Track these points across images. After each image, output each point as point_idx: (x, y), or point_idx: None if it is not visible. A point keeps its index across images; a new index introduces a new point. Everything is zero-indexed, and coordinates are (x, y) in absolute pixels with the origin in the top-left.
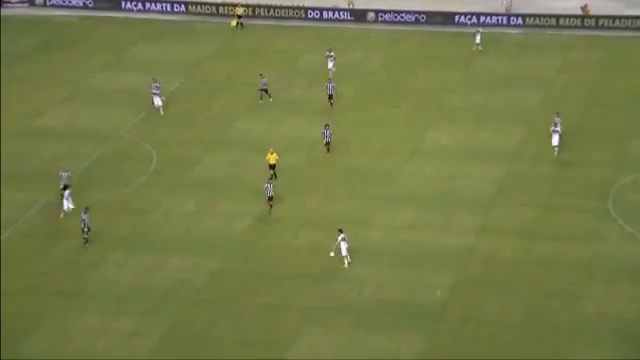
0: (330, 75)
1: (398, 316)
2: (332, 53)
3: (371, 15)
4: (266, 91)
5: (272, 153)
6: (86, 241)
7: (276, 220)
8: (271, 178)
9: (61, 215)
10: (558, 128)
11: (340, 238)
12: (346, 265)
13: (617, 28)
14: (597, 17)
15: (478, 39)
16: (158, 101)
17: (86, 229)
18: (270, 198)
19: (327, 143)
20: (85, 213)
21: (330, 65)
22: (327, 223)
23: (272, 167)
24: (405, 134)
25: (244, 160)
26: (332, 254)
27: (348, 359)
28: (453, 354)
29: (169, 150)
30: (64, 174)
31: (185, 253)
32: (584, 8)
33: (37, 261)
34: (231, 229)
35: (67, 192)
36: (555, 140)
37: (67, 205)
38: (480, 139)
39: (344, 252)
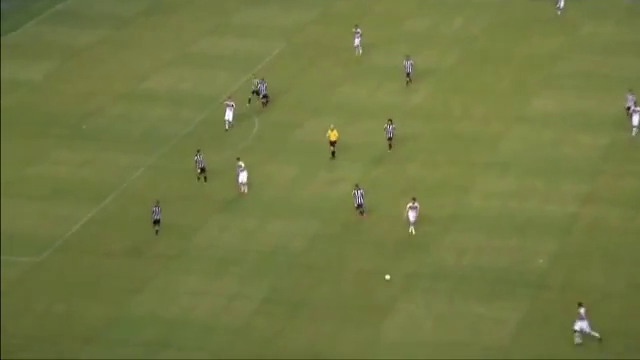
0: (357, 52)
1: (498, 284)
2: (359, 30)
3: None
4: (257, 93)
5: (332, 130)
6: (157, 232)
7: (376, 186)
8: (333, 155)
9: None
10: (638, 107)
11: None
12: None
13: None
14: None
15: (562, 4)
16: (229, 115)
17: (155, 221)
18: (359, 206)
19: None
20: (156, 206)
21: (357, 42)
22: (427, 189)
23: (332, 144)
24: (509, 101)
25: (345, 125)
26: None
27: (447, 326)
28: (554, 323)
29: (270, 115)
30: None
31: (285, 218)
32: None
33: (142, 223)
34: (331, 194)
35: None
36: (635, 120)
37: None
38: (586, 106)
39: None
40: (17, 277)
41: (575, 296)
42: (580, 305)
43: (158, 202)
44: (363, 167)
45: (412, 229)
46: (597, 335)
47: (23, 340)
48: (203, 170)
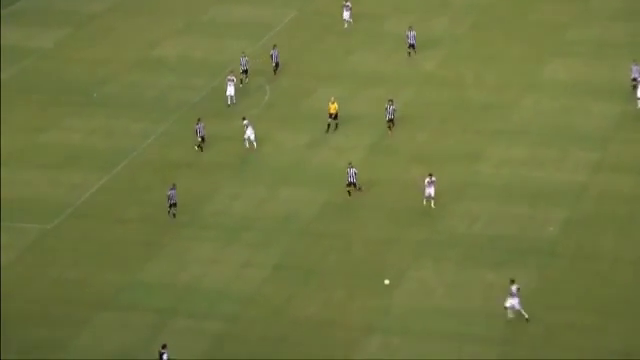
0: (346, 26)
1: (509, 252)
2: (348, 3)
3: None
4: (246, 72)
5: (333, 102)
6: (173, 216)
7: (388, 153)
8: (328, 128)
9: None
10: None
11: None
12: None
13: None
14: None
15: None
16: (231, 90)
17: (172, 204)
18: (352, 184)
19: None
20: (172, 189)
21: (346, 15)
22: (439, 157)
23: (332, 116)
24: (521, 68)
25: (356, 93)
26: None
27: (457, 293)
28: (565, 291)
29: (282, 83)
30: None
31: (297, 185)
32: None
33: (153, 190)
34: (342, 162)
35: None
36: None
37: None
38: (598, 74)
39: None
40: (29, 244)
41: (586, 263)
42: (512, 282)
43: (174, 185)
44: (374, 134)
45: (432, 203)
46: (525, 315)
47: (36, 306)
48: (203, 139)
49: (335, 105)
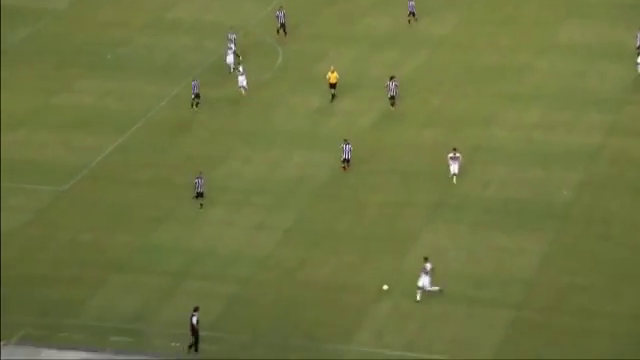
0: None
1: (522, 215)
2: None
3: None
4: (239, 56)
5: (333, 72)
6: (201, 206)
7: (400, 117)
8: (333, 98)
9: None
10: None
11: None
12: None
13: None
14: None
15: None
16: (230, 59)
17: (197, 194)
18: (346, 160)
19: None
20: (199, 177)
21: None
22: (452, 121)
23: (332, 86)
24: (535, 31)
25: (369, 56)
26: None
27: (470, 257)
28: (578, 254)
29: (294, 45)
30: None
31: (310, 149)
32: None
33: (166, 153)
34: (355, 126)
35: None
36: None
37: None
38: (613, 36)
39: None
40: (43, 206)
41: (599, 227)
42: (426, 260)
43: (201, 173)
44: (387, 98)
45: (454, 179)
46: (436, 289)
47: (50, 267)
48: (197, 96)
49: (335, 74)
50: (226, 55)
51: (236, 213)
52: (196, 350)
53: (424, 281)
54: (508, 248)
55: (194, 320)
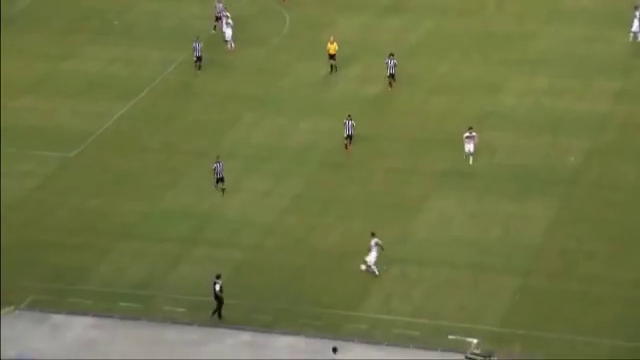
0: None
1: (529, 182)
2: None
3: None
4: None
5: (332, 43)
6: (223, 192)
7: (408, 84)
8: (332, 70)
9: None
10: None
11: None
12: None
13: None
14: None
15: None
16: (229, 34)
17: (218, 179)
18: (349, 137)
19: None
20: (217, 162)
21: None
22: (459, 88)
23: (331, 57)
24: None
25: (376, 23)
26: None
27: (478, 224)
28: (585, 220)
29: (301, 12)
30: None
31: (316, 116)
32: None
33: (174, 120)
34: (362, 93)
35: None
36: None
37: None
38: (621, 2)
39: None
40: (51, 172)
41: (606, 193)
42: (373, 235)
43: (219, 158)
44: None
45: (470, 160)
46: (376, 272)
47: (58, 233)
48: (199, 59)
49: (335, 45)
50: (221, 26)
51: (243, 179)
52: (219, 317)
53: (370, 256)
54: (515, 215)
55: (217, 287)
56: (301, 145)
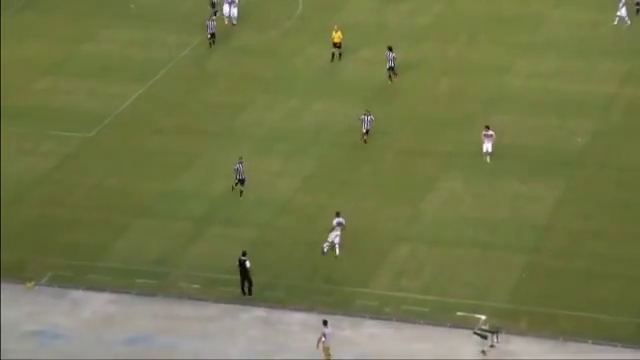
0: None
1: (537, 162)
2: None
3: None
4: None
5: (337, 31)
6: (241, 193)
7: (417, 66)
8: (333, 57)
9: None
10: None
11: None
12: (337, 253)
13: None
14: None
15: None
16: (234, 11)
17: (239, 180)
18: (366, 132)
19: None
20: (239, 163)
21: None
22: (468, 70)
23: (336, 46)
24: None
25: (386, 7)
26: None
27: (486, 203)
28: (591, 200)
29: None
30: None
31: (329, 98)
32: None
33: (189, 101)
34: (373, 75)
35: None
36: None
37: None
38: None
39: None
40: (69, 152)
41: (612, 173)
42: (337, 215)
43: (241, 158)
44: (405, 46)
45: (488, 158)
46: (337, 253)
47: (77, 211)
48: (213, 35)
49: (339, 34)
50: (224, 5)
51: (257, 160)
52: (244, 293)
53: (332, 235)
54: (522, 195)
55: (248, 264)
56: (313, 126)
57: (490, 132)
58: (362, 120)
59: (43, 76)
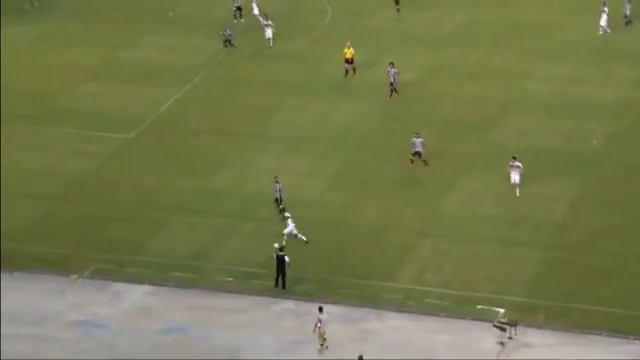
0: None
1: (554, 163)
2: None
3: None
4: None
5: (349, 48)
6: (281, 211)
7: (440, 70)
8: (347, 73)
9: None
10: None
11: (509, 165)
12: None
13: None
14: None
15: None
16: (268, 32)
17: (279, 199)
18: (416, 154)
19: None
20: (277, 182)
21: None
22: (489, 75)
23: (348, 62)
24: None
25: (412, 15)
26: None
27: (505, 203)
28: (607, 198)
29: (343, 3)
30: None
31: (356, 100)
32: None
33: (223, 105)
34: (399, 80)
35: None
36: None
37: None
38: None
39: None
40: (111, 152)
41: (626, 174)
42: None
43: (277, 178)
44: (429, 54)
45: (517, 191)
46: (304, 239)
47: (118, 208)
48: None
49: (351, 50)
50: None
51: (287, 160)
52: (276, 285)
53: (289, 229)
54: (540, 194)
55: (287, 259)
56: (341, 128)
57: (517, 163)
58: (413, 143)
59: (87, 80)
